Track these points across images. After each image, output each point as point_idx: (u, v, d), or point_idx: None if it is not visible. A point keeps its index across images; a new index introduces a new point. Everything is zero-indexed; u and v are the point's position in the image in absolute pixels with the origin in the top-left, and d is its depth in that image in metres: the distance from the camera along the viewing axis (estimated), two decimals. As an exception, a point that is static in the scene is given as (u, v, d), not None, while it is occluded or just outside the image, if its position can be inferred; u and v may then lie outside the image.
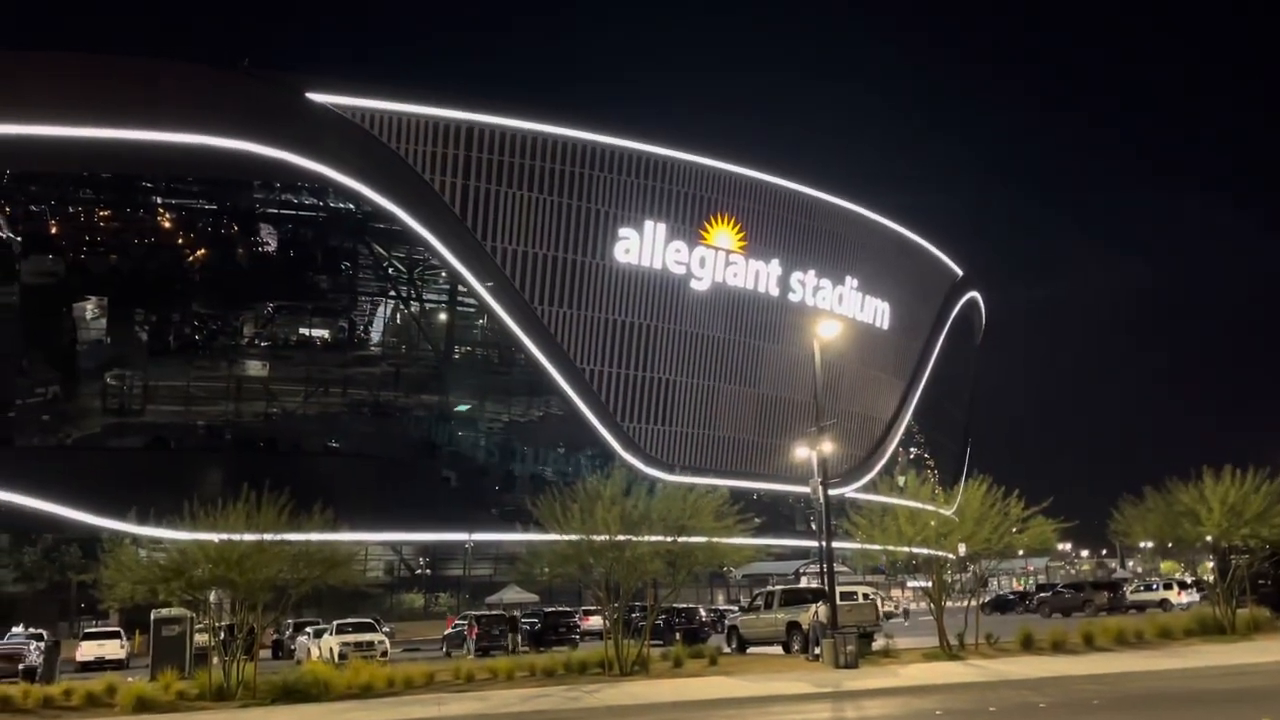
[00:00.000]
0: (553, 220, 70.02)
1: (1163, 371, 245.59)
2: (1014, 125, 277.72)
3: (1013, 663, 25.23)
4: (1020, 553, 44.53)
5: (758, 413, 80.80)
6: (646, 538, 26.84)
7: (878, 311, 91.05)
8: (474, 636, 39.09)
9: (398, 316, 72.94)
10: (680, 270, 75.35)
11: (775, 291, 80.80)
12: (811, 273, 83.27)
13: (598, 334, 72.18)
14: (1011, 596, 68.32)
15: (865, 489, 71.94)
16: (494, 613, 44.43)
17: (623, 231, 72.69)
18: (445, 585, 69.59)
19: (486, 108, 68.29)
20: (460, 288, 69.60)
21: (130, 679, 26.09)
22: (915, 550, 29.49)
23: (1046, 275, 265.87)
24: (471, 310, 71.83)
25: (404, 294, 72.52)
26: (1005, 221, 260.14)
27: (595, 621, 43.39)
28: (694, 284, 76.12)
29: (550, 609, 45.12)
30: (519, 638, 39.98)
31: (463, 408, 72.05)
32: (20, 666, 32.40)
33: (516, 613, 45.63)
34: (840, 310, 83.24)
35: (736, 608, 48.17)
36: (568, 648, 35.94)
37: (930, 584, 30.29)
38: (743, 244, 78.45)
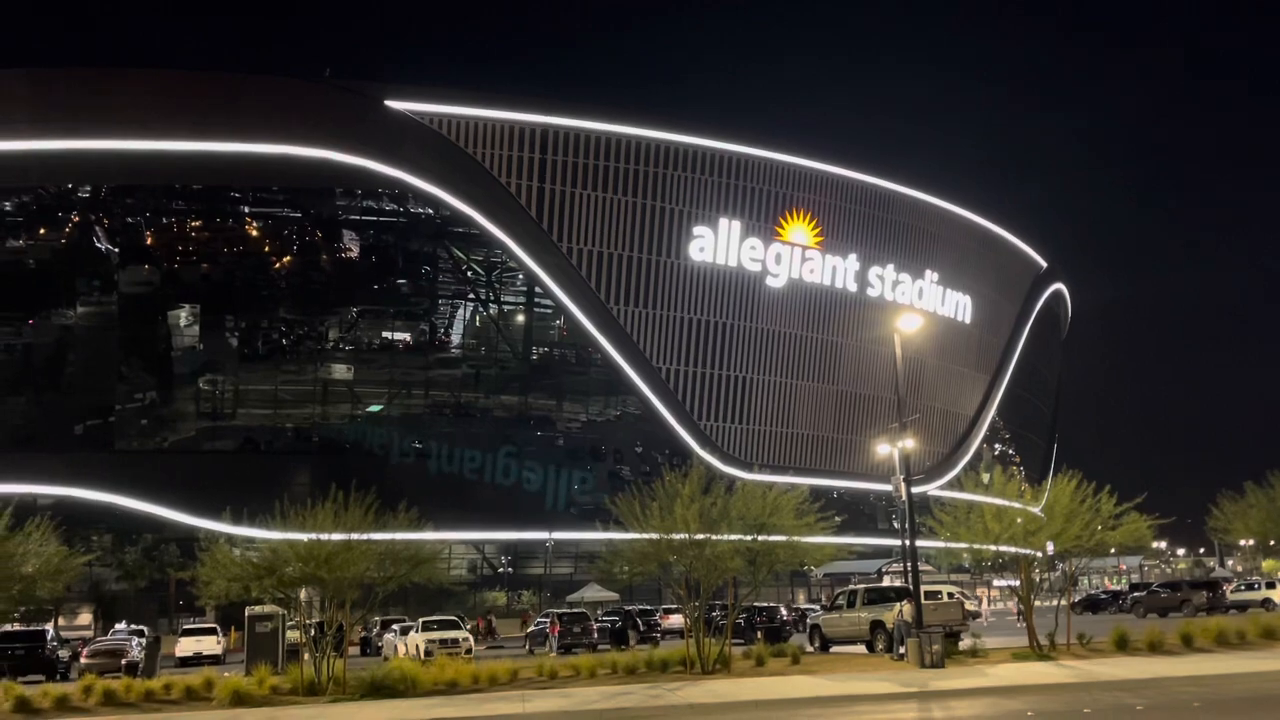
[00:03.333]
0: (627, 220, 70.26)
1: (1263, 363, 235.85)
2: (1100, 110, 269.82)
3: (1107, 663, 24.51)
4: (1112, 551, 43.20)
5: (837, 410, 79.88)
6: (726, 536, 26.73)
7: (959, 305, 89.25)
8: (555, 634, 39.41)
9: (477, 319, 73.88)
10: (756, 267, 74.90)
11: (853, 287, 79.79)
12: (890, 267, 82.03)
13: (674, 333, 72.17)
14: (1104, 596, 66.40)
15: (949, 486, 70.60)
16: (575, 610, 44.72)
17: (697, 230, 72.54)
18: (527, 583, 70.33)
19: (560, 110, 68.80)
20: (537, 289, 70.29)
21: (226, 674, 26.89)
22: (1002, 548, 28.84)
23: (1138, 265, 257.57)
24: (549, 311, 72.45)
25: (483, 296, 73.48)
26: (1092, 212, 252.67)
27: (676, 620, 43.42)
28: (770, 281, 75.58)
29: (631, 607, 45.24)
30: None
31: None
32: (123, 662, 33.69)
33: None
34: (920, 305, 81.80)
35: (818, 606, 47.75)
36: (649, 646, 36.00)
37: (1018, 583, 29.60)
38: (819, 239, 77.64)
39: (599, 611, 48.62)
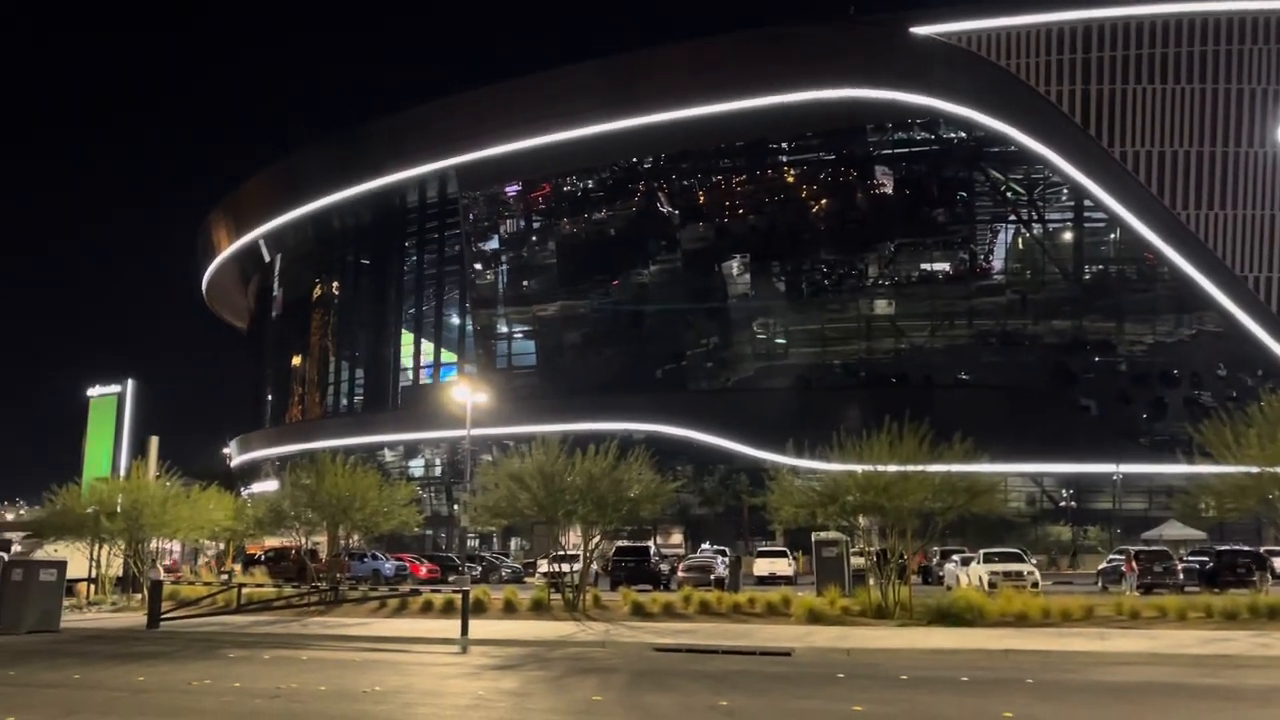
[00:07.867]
0: (1194, 111, 61.65)
1: None
2: None
3: None
4: None
5: None
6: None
7: None
8: (1133, 572, 36.53)
9: (1019, 241, 70.25)
10: (1375, 143, 61.33)
11: None
12: None
13: (1261, 234, 62.06)
14: None
15: None
16: (1155, 548, 41.04)
17: (1288, 109, 61.29)
18: (1093, 519, 65.82)
19: (1102, 1, 62.12)
20: (1086, 203, 64.74)
21: (799, 593, 28.95)
22: None
23: None
24: (1101, 225, 66.39)
25: (1025, 216, 69.51)
26: None
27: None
28: (1396, 158, 61.45)
29: (1224, 547, 40.48)
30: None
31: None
32: (711, 576, 37.85)
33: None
34: None
35: None
36: (1248, 590, 31.80)
37: None
38: None
39: (1182, 551, 44.03)
